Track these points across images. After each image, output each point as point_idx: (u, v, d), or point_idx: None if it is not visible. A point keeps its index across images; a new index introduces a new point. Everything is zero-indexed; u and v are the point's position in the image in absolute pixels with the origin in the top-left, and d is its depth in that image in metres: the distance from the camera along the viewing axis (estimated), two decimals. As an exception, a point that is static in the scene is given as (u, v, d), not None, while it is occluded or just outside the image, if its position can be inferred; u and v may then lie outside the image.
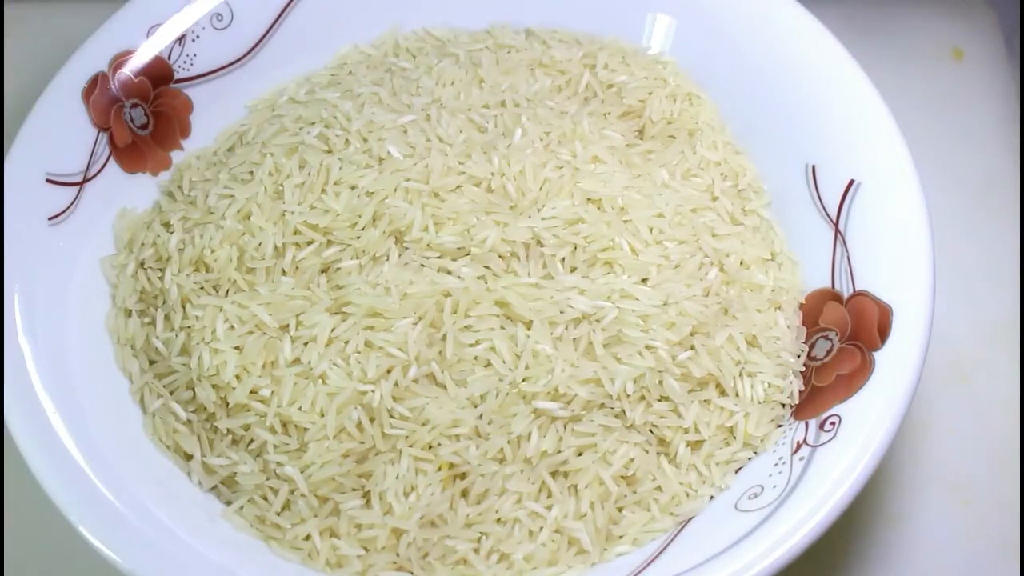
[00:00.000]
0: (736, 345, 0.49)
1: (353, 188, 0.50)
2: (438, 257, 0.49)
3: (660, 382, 0.48)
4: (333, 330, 0.48)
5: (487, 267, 0.49)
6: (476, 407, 0.47)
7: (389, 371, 0.47)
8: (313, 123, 0.53)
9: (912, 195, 0.50)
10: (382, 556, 0.46)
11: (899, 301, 0.48)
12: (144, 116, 0.55)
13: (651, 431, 0.48)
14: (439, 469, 0.46)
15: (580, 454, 0.47)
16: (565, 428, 0.47)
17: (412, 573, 0.46)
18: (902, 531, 0.54)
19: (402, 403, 0.47)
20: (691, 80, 0.58)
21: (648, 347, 0.48)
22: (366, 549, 0.46)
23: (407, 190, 0.50)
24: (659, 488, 0.48)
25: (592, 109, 0.56)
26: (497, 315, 0.48)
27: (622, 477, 0.48)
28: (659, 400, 0.48)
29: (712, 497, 0.48)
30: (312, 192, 0.51)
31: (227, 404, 0.48)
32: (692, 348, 0.49)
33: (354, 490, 0.47)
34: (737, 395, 0.49)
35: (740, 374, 0.49)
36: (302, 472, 0.47)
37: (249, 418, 0.48)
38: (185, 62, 0.56)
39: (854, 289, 0.50)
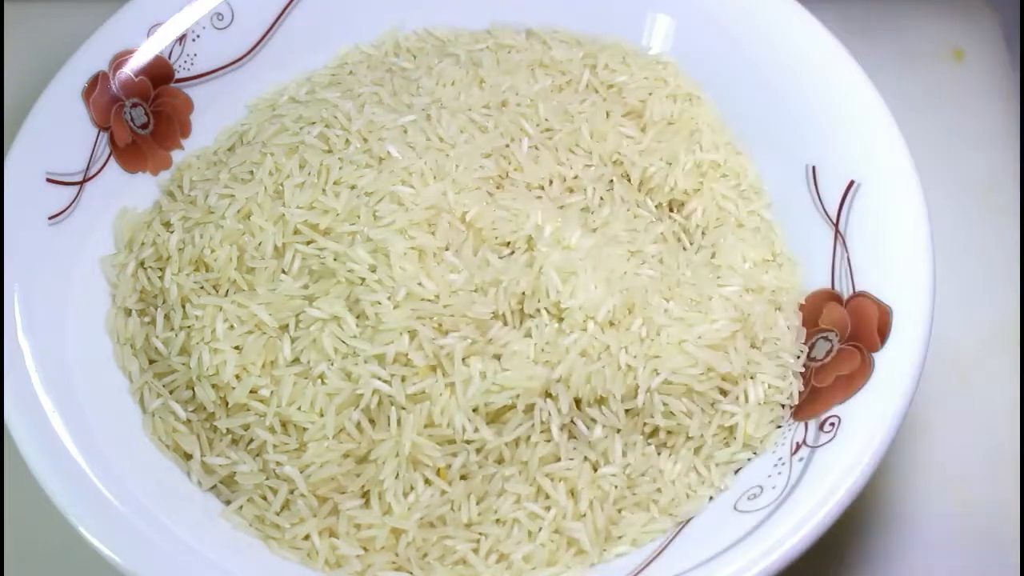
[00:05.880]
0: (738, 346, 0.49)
1: (353, 188, 0.50)
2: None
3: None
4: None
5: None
6: (474, 411, 0.47)
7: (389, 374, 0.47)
8: (313, 123, 0.53)
9: (912, 195, 0.50)
10: (381, 556, 0.46)
11: (899, 302, 0.48)
12: (144, 115, 0.55)
13: (650, 432, 0.48)
14: (438, 471, 0.46)
15: (579, 456, 0.47)
16: (563, 430, 0.47)
17: (411, 573, 0.46)
18: (901, 531, 0.54)
19: (401, 404, 0.47)
20: (691, 80, 0.58)
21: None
22: (365, 549, 0.46)
23: (407, 190, 0.50)
24: (658, 489, 0.48)
25: (593, 100, 0.56)
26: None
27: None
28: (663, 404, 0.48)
29: (711, 498, 0.48)
30: (312, 192, 0.51)
31: (227, 404, 0.48)
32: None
33: (353, 490, 0.47)
34: (745, 398, 0.49)
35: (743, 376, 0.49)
36: (301, 472, 0.47)
37: (248, 418, 0.48)
38: (185, 62, 0.56)
39: (854, 290, 0.50)
